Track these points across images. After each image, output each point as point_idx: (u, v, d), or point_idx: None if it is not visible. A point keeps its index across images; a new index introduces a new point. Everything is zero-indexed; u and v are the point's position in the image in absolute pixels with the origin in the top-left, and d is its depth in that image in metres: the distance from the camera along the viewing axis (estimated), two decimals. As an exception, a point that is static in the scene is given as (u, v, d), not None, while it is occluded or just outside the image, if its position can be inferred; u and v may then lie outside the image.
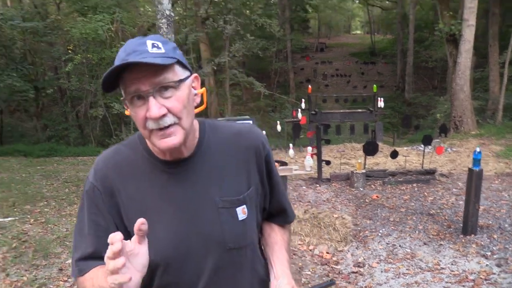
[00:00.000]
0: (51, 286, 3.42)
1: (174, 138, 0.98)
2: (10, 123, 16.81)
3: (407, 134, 17.61)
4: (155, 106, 0.94)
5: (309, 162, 5.11)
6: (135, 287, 0.87)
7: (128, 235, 0.98)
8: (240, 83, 15.87)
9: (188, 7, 18.41)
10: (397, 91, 27.24)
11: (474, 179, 4.20)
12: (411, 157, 9.51)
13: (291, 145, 7.69)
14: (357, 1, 41.31)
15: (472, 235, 4.32)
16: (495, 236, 4.30)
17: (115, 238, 0.80)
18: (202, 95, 1.09)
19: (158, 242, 1.02)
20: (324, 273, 3.91)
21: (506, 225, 4.64)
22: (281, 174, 4.64)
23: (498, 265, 3.61)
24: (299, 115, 11.33)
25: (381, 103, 11.91)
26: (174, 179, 1.07)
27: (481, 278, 3.40)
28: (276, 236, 1.27)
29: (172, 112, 0.97)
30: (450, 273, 3.57)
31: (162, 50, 0.96)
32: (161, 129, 0.97)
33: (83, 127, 15.81)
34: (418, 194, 6.38)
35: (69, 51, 14.06)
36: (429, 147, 9.12)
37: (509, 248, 3.98)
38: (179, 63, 0.99)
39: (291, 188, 7.01)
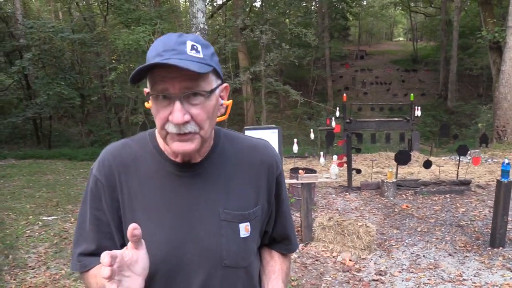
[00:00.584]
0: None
1: (190, 144, 0.94)
2: (58, 129, 17.79)
3: (448, 143, 17.12)
4: (180, 112, 0.90)
5: (335, 170, 5.16)
6: None
7: (123, 234, 1.02)
8: (277, 91, 16.03)
9: (227, 17, 18.86)
10: (439, 99, 26.50)
11: (503, 190, 4.12)
12: (448, 167, 9.29)
13: (322, 153, 7.74)
14: (399, 8, 40.51)
15: (500, 248, 4.24)
16: (524, 250, 4.19)
17: (105, 260, 0.78)
18: (227, 106, 1.05)
19: (151, 246, 0.93)
20: (345, 280, 3.97)
21: (538, 239, 4.51)
22: (306, 181, 4.74)
23: (523, 279, 3.54)
24: (333, 123, 11.33)
25: (418, 112, 11.68)
26: (180, 181, 1.02)
27: (502, 290, 3.35)
28: (275, 265, 1.19)
29: (195, 120, 0.93)
30: (472, 285, 3.54)
31: (201, 55, 0.91)
32: (179, 134, 0.93)
33: (125, 132, 16.50)
34: (450, 205, 6.26)
35: (113, 60, 14.77)
36: (467, 157, 8.88)
37: (536, 262, 3.88)
38: (214, 71, 0.95)
39: (320, 195, 7.06)
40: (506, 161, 4.18)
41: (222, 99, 1.02)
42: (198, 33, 5.67)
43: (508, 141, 12.47)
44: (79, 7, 18.71)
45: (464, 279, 3.67)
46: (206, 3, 19.76)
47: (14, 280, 3.67)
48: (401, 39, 58.43)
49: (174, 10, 17.35)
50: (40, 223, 5.39)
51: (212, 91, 0.94)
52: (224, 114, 1.06)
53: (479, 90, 26.15)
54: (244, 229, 1.04)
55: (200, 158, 1.04)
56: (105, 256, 0.78)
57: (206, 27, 5.79)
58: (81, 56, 15.94)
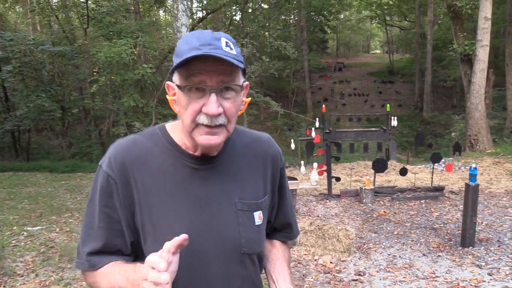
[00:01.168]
0: (76, 286, 3.78)
1: (218, 138, 0.98)
2: (37, 141, 17.62)
3: (425, 152, 17.63)
4: (215, 104, 0.93)
5: (315, 177, 5.38)
6: None
7: (136, 230, 1.04)
8: (257, 102, 16.30)
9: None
10: (415, 110, 27.28)
11: (471, 193, 4.41)
12: (423, 175, 9.66)
13: (302, 162, 7.97)
14: (376, 22, 41.65)
15: (470, 247, 4.51)
16: (491, 248, 4.48)
17: (161, 265, 0.81)
18: (245, 103, 1.09)
19: (172, 237, 0.90)
20: (326, 281, 4.15)
21: (506, 239, 4.81)
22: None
23: (490, 274, 3.80)
24: (313, 133, 11.59)
25: (394, 122, 12.07)
26: (197, 174, 1.05)
27: (471, 285, 3.60)
28: (277, 253, 1.25)
29: (226, 113, 0.97)
30: (444, 281, 3.78)
31: (234, 52, 0.95)
32: (210, 126, 0.96)
33: (105, 144, 16.43)
34: (425, 210, 6.56)
35: (94, 73, 14.80)
36: (441, 165, 9.26)
37: (503, 259, 4.16)
38: (243, 69, 1.00)
39: (301, 203, 7.26)
40: (474, 165, 4.48)
41: (244, 96, 1.06)
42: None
43: (480, 149, 12.98)
44: (59, 20, 18.66)
45: (436, 276, 3.91)
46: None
47: (3, 287, 3.74)
48: (377, 51, 59.83)
49: (155, 23, 17.50)
50: (25, 233, 5.43)
51: (242, 87, 1.01)
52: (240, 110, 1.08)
53: (453, 101, 27.01)
54: (258, 217, 1.11)
55: (217, 152, 1.08)
56: (161, 261, 0.81)
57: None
58: (61, 68, 15.91)
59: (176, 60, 0.95)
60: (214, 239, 1.04)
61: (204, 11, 21.32)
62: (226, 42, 0.95)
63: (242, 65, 0.96)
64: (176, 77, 0.98)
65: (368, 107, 27.39)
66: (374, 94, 30.60)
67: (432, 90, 25.95)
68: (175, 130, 1.09)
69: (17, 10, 26.24)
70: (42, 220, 6.20)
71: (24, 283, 3.83)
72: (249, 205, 1.09)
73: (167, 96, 1.06)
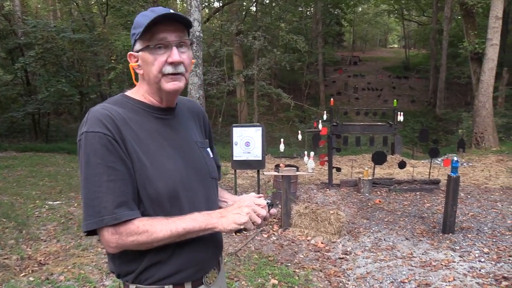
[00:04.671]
0: (92, 250, 4.29)
1: (180, 83, 1.26)
2: (56, 124, 18.31)
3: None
4: (178, 54, 1.23)
5: (311, 164, 5.80)
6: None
7: (133, 178, 1.20)
8: (269, 94, 16.68)
9: (223, 22, 19.51)
10: (428, 107, 27.29)
11: (452, 184, 4.78)
12: (425, 169, 9.97)
13: (305, 152, 8.36)
14: (394, 16, 41.37)
15: (450, 234, 4.89)
16: (469, 236, 4.85)
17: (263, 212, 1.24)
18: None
19: (169, 173, 1.24)
20: (315, 258, 4.59)
21: (486, 228, 5.17)
22: (286, 173, 5.37)
23: (461, 256, 4.20)
24: (320, 125, 11.95)
25: (400, 117, 12.35)
26: (167, 124, 1.32)
27: (441, 264, 4.00)
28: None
29: (184, 63, 1.25)
30: (419, 260, 4.19)
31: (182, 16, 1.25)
32: (174, 74, 1.23)
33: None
34: (418, 201, 6.93)
35: (112, 60, 15.34)
36: (438, 159, 9.57)
37: (476, 244, 4.54)
38: (188, 31, 1.32)
39: (302, 191, 7.70)
40: (455, 158, 4.84)
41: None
42: (194, 40, 6.30)
43: (485, 147, 13.18)
44: (79, 7, 19.23)
45: (413, 256, 4.32)
46: (203, 6, 20.37)
47: (30, 248, 4.27)
48: (395, 46, 59.35)
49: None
50: (46, 206, 5.98)
51: (192, 43, 1.33)
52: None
53: (467, 98, 26.89)
54: (210, 152, 1.46)
55: (175, 103, 1.37)
56: (263, 202, 1.27)
57: (201, 34, 6.43)
58: (81, 55, 16.50)
59: (138, 30, 1.22)
60: (194, 170, 1.33)
61: (220, 2, 21.66)
62: (175, 12, 1.23)
63: (191, 24, 1.29)
64: (138, 44, 1.25)
65: (381, 102, 27.47)
66: (388, 89, 30.63)
67: (447, 87, 25.91)
68: (136, 93, 1.34)
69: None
70: (62, 196, 6.76)
71: (47, 247, 4.36)
72: (202, 143, 1.43)
73: (130, 64, 1.31)
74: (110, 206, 1.14)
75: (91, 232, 1.20)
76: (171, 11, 1.22)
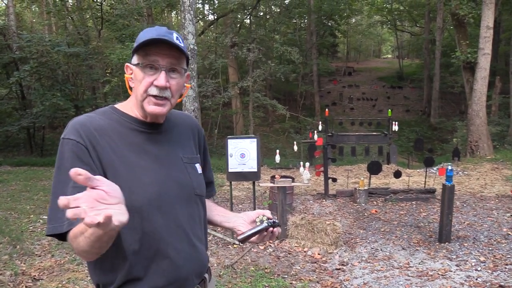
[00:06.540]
0: (87, 265, 4.24)
1: (163, 108, 1.26)
2: (51, 138, 18.27)
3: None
4: (164, 78, 1.22)
5: (307, 175, 5.80)
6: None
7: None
8: (265, 105, 16.74)
9: (217, 34, 19.65)
10: (423, 116, 27.47)
11: (447, 192, 4.80)
12: (421, 178, 10.00)
13: (301, 163, 8.38)
14: (387, 27, 41.80)
15: (446, 243, 4.89)
16: (465, 244, 4.86)
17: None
18: (186, 89, 1.39)
19: (144, 186, 1.21)
20: (312, 269, 4.57)
21: (482, 237, 5.18)
22: (281, 185, 5.36)
23: (457, 265, 4.19)
24: (315, 136, 12.00)
25: (395, 127, 12.44)
26: (150, 138, 1.31)
27: (438, 273, 4.00)
28: (208, 201, 1.53)
29: (171, 89, 1.25)
30: (415, 270, 4.18)
31: (182, 44, 1.25)
32: (158, 97, 1.23)
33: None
34: (414, 210, 6.93)
35: (107, 74, 15.37)
36: (434, 168, 9.60)
37: (473, 253, 4.54)
38: (187, 59, 1.30)
39: (299, 202, 7.69)
40: (449, 167, 4.86)
41: (185, 82, 1.35)
42: (188, 53, 6.32)
43: (480, 156, 13.25)
44: (74, 21, 19.33)
45: (410, 266, 4.31)
46: (197, 19, 20.50)
47: (24, 264, 4.23)
48: (389, 56, 59.88)
49: (167, 26, 18.04)
50: (41, 221, 5.93)
51: (185, 71, 1.30)
52: (180, 97, 1.37)
53: (461, 107, 27.10)
54: (199, 167, 1.43)
55: (163, 120, 1.36)
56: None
57: (195, 47, 6.46)
58: (76, 68, 16.54)
59: (135, 45, 1.25)
60: (176, 186, 1.30)
61: (215, 15, 21.84)
62: (177, 37, 1.24)
63: (186, 54, 1.27)
64: (134, 58, 1.27)
65: (376, 112, 27.61)
66: (382, 99, 30.81)
67: (441, 96, 26.13)
68: (124, 106, 1.35)
69: (33, 9, 27.03)
70: (56, 210, 6.70)
71: (41, 262, 4.32)
72: (191, 159, 1.40)
73: (125, 75, 1.34)
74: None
75: (62, 237, 1.14)
76: (174, 34, 1.24)
